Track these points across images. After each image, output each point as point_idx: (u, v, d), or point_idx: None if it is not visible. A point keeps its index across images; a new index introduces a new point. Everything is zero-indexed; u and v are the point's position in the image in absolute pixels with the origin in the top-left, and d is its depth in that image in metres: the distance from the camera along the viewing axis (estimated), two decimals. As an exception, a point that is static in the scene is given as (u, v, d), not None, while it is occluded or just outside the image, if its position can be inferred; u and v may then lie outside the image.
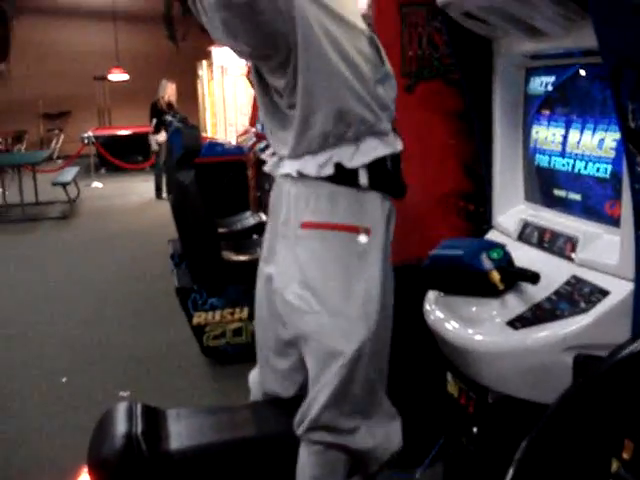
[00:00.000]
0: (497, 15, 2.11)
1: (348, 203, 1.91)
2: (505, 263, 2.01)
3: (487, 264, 1.98)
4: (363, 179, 1.91)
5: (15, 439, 3.50)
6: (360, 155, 1.91)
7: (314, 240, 1.91)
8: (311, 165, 1.92)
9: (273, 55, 1.89)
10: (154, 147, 10.46)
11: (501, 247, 2.03)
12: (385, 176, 1.95)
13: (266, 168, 2.16)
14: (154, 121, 10.22)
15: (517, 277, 1.99)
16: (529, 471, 1.04)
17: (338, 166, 1.90)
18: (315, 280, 1.90)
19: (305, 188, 1.94)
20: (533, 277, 1.94)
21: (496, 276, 1.97)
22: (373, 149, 1.92)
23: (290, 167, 1.97)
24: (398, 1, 2.63)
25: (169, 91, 10.48)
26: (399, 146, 2.00)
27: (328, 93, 1.86)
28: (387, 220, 1.97)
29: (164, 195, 9.70)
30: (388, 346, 2.03)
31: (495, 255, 1.99)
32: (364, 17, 2.67)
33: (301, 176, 1.94)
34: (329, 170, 1.90)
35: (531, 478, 1.04)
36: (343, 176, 1.90)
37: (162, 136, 9.52)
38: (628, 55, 1.66)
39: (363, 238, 1.90)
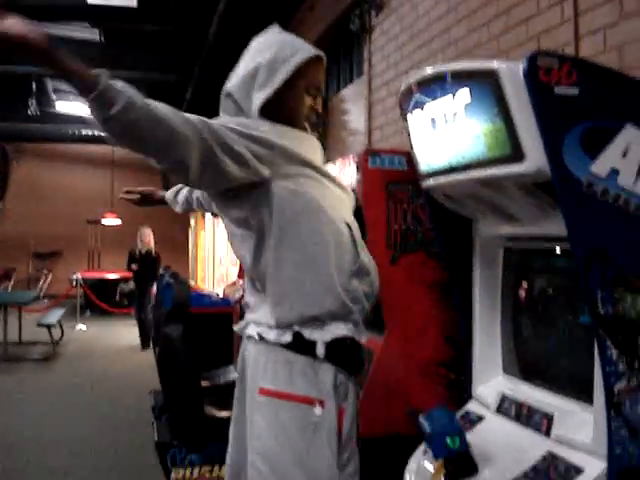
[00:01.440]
0: (475, 200, 2.29)
1: (304, 373, 1.95)
2: (462, 451, 2.04)
3: (441, 451, 2.02)
4: (320, 350, 1.97)
5: None
6: (321, 333, 1.99)
7: (271, 408, 1.94)
8: (272, 332, 2.00)
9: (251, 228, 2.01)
10: (123, 289, 10.86)
11: (460, 436, 2.06)
12: (343, 351, 2.01)
13: (235, 328, 2.22)
14: (133, 266, 10.49)
15: (459, 469, 2.03)
16: None
17: (297, 335, 1.97)
18: (270, 450, 1.92)
19: (264, 352, 2.00)
20: (472, 471, 2.01)
21: (439, 468, 2.03)
22: (335, 330, 2.00)
23: (252, 330, 2.06)
24: (385, 180, 2.81)
25: (147, 238, 10.65)
26: (363, 339, 2.08)
27: (298, 282, 1.96)
28: (337, 393, 2.00)
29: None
30: None
31: (451, 444, 2.02)
32: (353, 191, 2.86)
33: (261, 339, 2.01)
34: (287, 338, 1.97)
35: None
36: (301, 345, 1.97)
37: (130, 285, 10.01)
38: (596, 247, 1.80)
39: (318, 410, 1.93)
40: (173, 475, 3.95)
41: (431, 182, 2.34)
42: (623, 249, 1.83)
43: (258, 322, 2.04)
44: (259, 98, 1.99)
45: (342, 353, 2.00)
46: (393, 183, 2.81)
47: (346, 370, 2.02)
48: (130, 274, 10.77)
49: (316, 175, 2.01)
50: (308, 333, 1.97)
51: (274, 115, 2.00)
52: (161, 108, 1.75)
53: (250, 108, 2.00)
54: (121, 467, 5.22)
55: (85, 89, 1.64)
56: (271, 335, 1.99)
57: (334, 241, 1.99)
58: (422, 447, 2.32)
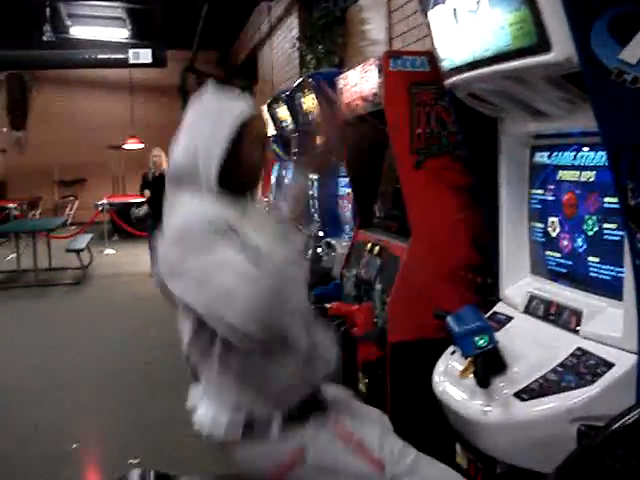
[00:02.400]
0: (501, 97, 2.22)
1: None
2: (491, 349, 2.02)
3: (470, 349, 2.01)
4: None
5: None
6: None
7: None
8: None
9: None
10: (136, 214, 10.58)
11: (489, 334, 2.04)
12: None
13: None
14: (146, 192, 10.03)
15: (488, 367, 2.01)
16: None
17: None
18: None
19: None
20: (501, 369, 1.99)
21: (468, 366, 2.02)
22: None
23: None
24: (407, 81, 2.74)
25: (159, 160, 10.07)
26: None
27: None
28: None
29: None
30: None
31: (481, 342, 2.01)
32: (375, 95, 2.79)
33: None
34: None
35: None
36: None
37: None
38: (627, 137, 1.75)
39: None
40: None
41: (455, 79, 2.27)
42: (654, 139, 1.77)
43: None
44: (212, 168, 1.91)
45: None
46: (416, 85, 2.75)
47: None
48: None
49: None
50: None
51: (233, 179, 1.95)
52: None
53: (206, 181, 1.91)
54: (155, 382, 5.35)
55: None
56: None
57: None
58: (450, 349, 2.33)
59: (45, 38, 12.90)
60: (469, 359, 2.00)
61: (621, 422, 0.97)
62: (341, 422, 1.91)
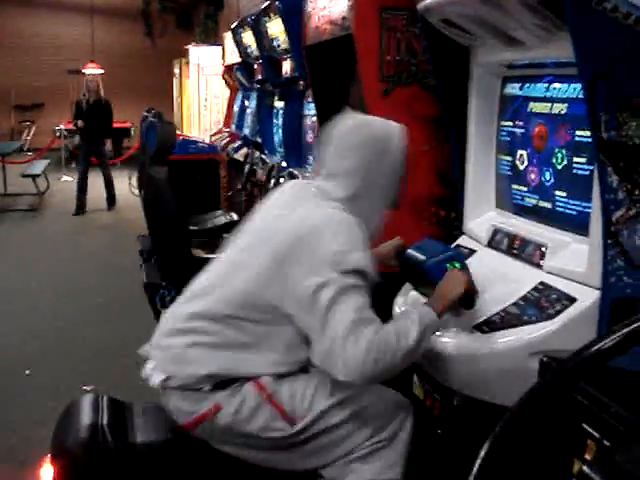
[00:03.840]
0: (476, 23, 2.14)
1: None
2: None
3: (442, 277, 1.97)
4: None
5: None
6: None
7: None
8: None
9: None
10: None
11: (460, 261, 2.03)
12: None
13: None
14: (78, 122, 9.34)
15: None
16: (491, 471, 1.06)
17: None
18: None
19: None
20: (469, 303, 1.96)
21: None
22: None
23: None
24: (378, 5, 2.65)
25: (94, 85, 9.49)
26: None
27: None
28: None
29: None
30: None
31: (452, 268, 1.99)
32: (344, 19, 2.69)
33: None
34: None
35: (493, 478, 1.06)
36: None
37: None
38: (603, 66, 1.70)
39: None
40: (163, 316, 3.98)
41: (429, 2, 2.19)
42: (631, 72, 1.72)
43: None
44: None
45: None
46: (387, 9, 2.65)
47: None
48: (120, 124, 10.09)
49: None
50: None
51: None
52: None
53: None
54: (110, 310, 5.30)
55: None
56: None
57: None
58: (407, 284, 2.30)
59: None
60: None
61: (590, 351, 0.93)
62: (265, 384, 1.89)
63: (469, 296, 1.93)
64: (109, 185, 9.76)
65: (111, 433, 1.85)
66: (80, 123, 9.26)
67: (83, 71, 15.52)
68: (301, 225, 1.87)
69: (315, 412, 1.87)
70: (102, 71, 14.80)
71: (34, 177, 9.99)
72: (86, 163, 9.39)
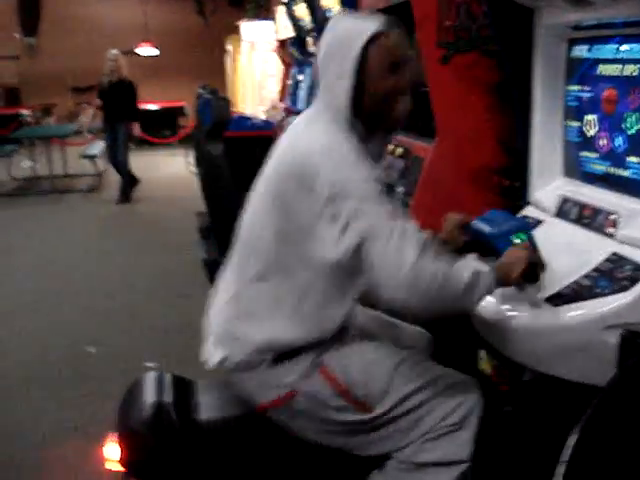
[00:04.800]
0: (541, -18, 2.05)
1: None
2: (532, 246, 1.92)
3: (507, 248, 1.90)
4: None
5: (44, 407, 3.53)
6: None
7: None
8: None
9: None
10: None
11: (526, 232, 1.94)
12: None
13: None
14: (97, 101, 8.90)
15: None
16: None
17: None
18: None
19: None
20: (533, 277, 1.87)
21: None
22: None
23: None
24: (436, -31, 2.56)
25: (117, 64, 8.71)
26: None
27: None
28: None
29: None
30: None
31: (517, 240, 1.91)
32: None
33: None
34: None
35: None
36: None
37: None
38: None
39: None
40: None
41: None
42: None
43: None
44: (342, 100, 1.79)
45: None
46: (445, -27, 2.56)
47: None
48: (175, 103, 9.75)
49: None
50: None
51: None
52: None
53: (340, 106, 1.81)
54: (171, 285, 5.35)
55: None
56: None
57: None
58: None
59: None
60: None
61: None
62: (327, 365, 1.85)
63: (532, 270, 1.85)
64: (122, 174, 9.00)
65: (175, 411, 1.85)
66: (98, 102, 8.82)
67: (136, 51, 15.69)
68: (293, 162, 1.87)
69: (393, 399, 1.84)
70: (157, 51, 14.92)
71: (93, 158, 10.12)
72: (112, 145, 8.90)
